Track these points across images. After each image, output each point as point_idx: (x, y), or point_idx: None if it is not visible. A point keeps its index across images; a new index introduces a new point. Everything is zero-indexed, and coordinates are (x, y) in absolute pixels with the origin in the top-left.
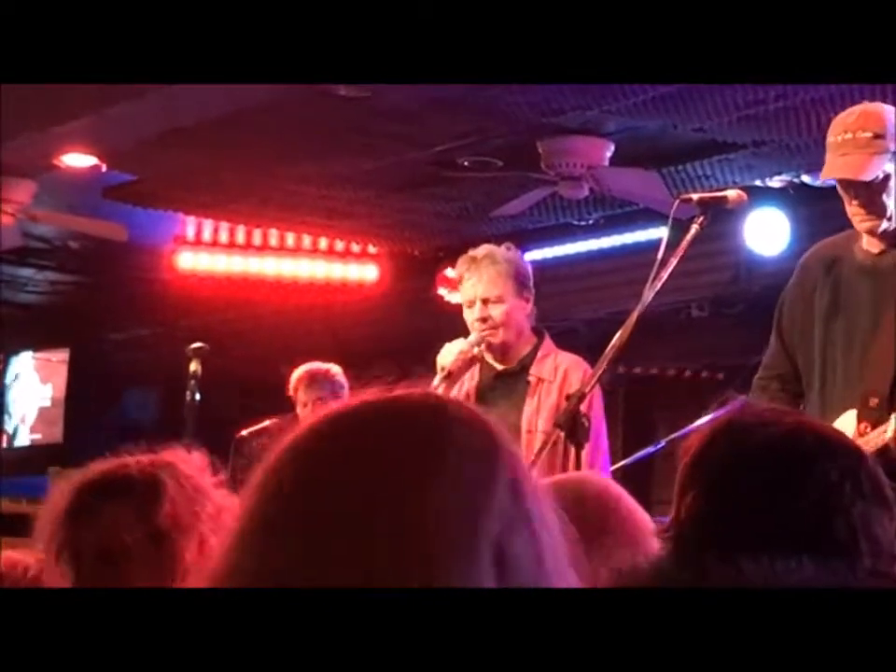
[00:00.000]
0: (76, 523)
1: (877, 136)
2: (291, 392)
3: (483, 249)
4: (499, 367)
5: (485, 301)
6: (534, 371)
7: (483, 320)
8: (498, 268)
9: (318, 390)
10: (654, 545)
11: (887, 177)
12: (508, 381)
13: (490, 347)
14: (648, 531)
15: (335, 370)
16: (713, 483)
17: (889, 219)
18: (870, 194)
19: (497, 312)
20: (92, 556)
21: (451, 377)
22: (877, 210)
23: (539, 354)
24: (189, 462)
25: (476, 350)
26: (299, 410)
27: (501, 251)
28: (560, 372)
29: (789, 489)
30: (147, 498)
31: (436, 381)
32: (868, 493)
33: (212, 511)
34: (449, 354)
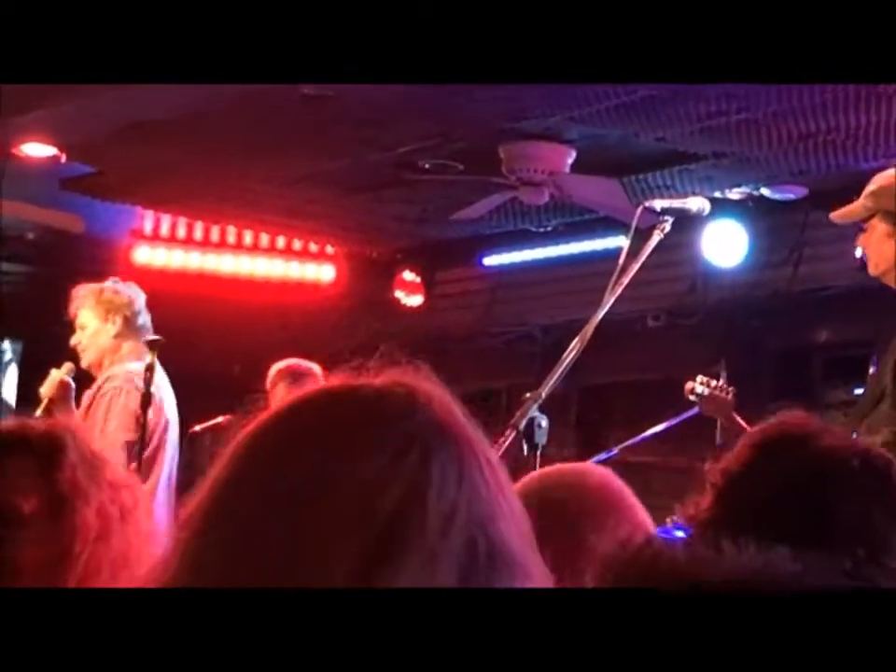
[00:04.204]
0: None
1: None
2: (269, 386)
3: (88, 287)
4: None
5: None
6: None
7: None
8: (82, 300)
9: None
10: None
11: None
12: None
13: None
14: (649, 527)
15: (317, 369)
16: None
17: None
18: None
19: (82, 338)
20: None
21: (52, 404)
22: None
23: (107, 369)
24: (85, 429)
25: (68, 377)
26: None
27: (92, 286)
28: (95, 385)
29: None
30: (47, 461)
31: (38, 412)
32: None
33: (110, 479)
34: (48, 382)
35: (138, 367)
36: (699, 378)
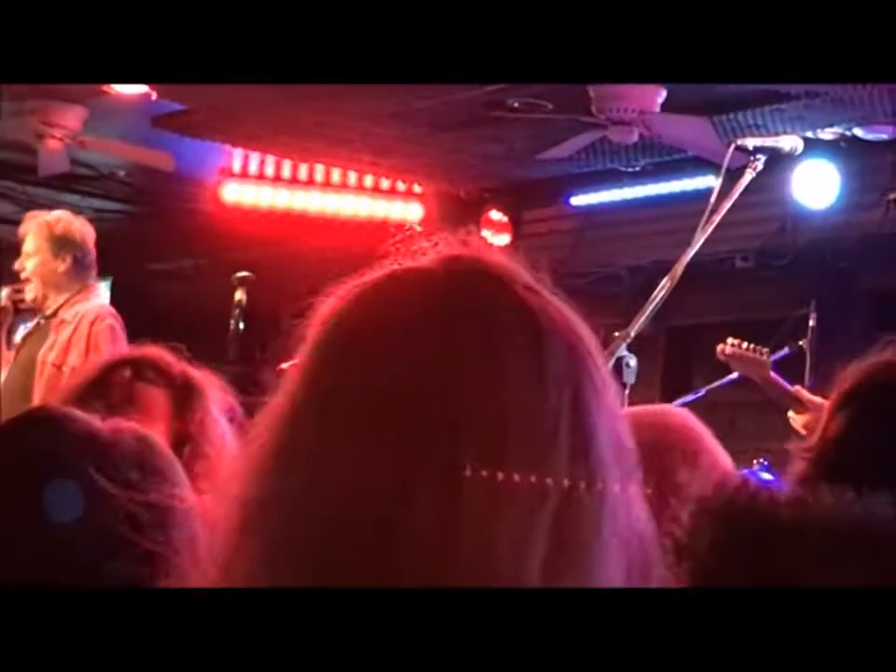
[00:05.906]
0: (94, 393)
1: None
2: None
3: (41, 215)
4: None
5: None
6: (60, 314)
7: (18, 273)
8: (35, 229)
9: None
10: None
11: None
12: (44, 323)
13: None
14: (729, 467)
15: None
16: (864, 413)
17: None
18: None
19: (28, 266)
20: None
21: None
22: None
23: (72, 301)
24: (217, 385)
25: (5, 301)
26: None
27: (46, 216)
28: (77, 316)
29: None
30: (181, 397)
31: None
32: None
33: (228, 440)
34: None
35: (109, 308)
36: (729, 340)
